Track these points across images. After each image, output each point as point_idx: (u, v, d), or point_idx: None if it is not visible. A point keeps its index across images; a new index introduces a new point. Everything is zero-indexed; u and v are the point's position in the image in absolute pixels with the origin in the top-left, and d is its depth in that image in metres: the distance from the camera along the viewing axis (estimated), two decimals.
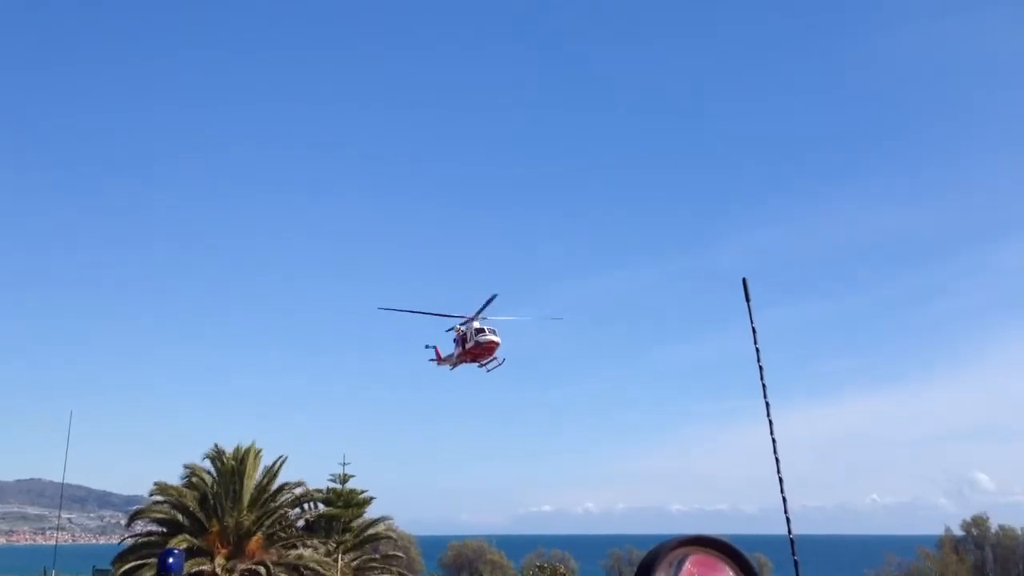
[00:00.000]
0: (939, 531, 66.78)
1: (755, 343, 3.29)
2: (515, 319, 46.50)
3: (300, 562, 38.13)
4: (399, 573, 42.92)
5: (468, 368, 45.15)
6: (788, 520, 3.13)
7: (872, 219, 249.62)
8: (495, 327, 42.77)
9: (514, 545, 74.53)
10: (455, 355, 43.85)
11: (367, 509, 41.60)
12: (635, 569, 2.59)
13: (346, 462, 41.18)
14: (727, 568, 2.63)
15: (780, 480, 3.13)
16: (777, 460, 3.21)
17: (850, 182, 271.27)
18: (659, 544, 2.60)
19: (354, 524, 40.98)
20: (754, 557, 69.65)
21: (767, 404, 3.30)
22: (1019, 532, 64.77)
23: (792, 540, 3.09)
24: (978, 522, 65.95)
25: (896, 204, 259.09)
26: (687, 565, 2.58)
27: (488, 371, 43.99)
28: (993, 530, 65.43)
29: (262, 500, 39.07)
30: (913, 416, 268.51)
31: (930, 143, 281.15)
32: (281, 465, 40.19)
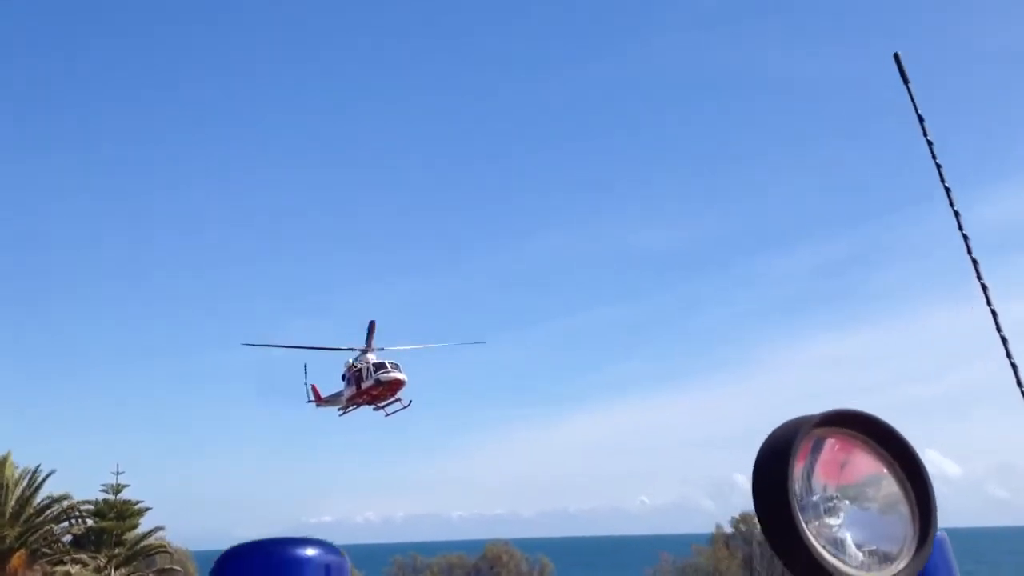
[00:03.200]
0: (705, 529, 74.98)
1: (925, 134, 2.69)
2: (427, 347, 43.45)
3: None
4: None
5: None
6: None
7: (648, 230, 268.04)
8: (397, 360, 38.99)
9: None
10: (346, 396, 39.82)
11: (141, 522, 42.77)
12: (759, 457, 2.06)
13: (120, 471, 41.98)
14: (869, 451, 2.15)
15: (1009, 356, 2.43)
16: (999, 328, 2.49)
17: (626, 192, 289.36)
18: (790, 426, 2.03)
19: (127, 537, 42.10)
20: (536, 558, 75.48)
21: (960, 222, 2.57)
22: None
23: None
24: (746, 519, 74.54)
25: (669, 216, 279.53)
26: (825, 452, 2.08)
27: (387, 415, 40.23)
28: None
29: (25, 514, 39.77)
30: (680, 421, 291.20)
31: (704, 156, 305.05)
32: (46, 478, 40.85)
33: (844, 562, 2.01)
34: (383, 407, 39.71)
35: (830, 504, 2.07)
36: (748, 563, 71.85)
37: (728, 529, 73.37)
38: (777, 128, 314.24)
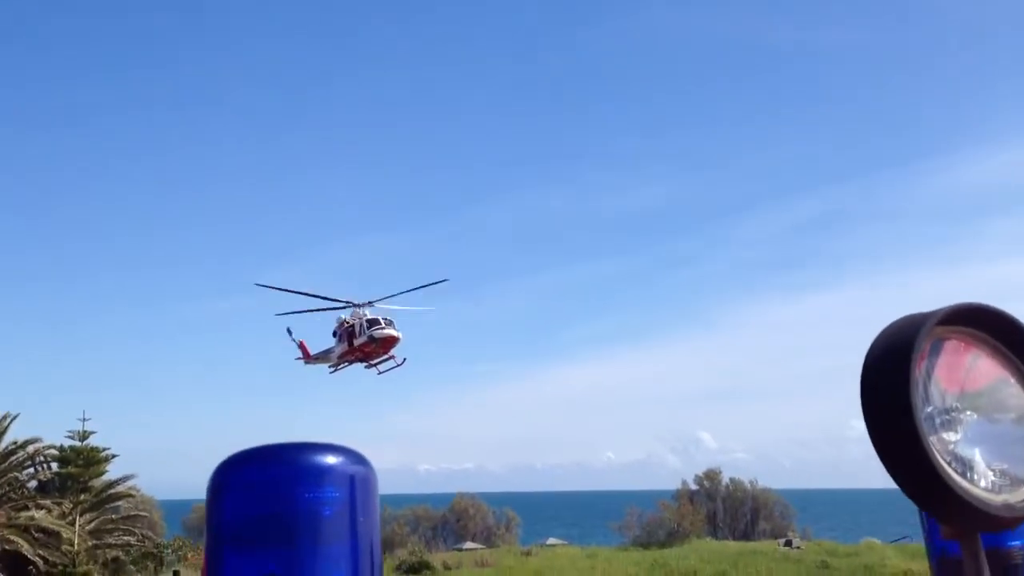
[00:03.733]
0: (669, 486, 76.36)
1: None
2: (424, 309, 40.77)
3: (32, 524, 39.39)
4: (141, 535, 44.92)
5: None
6: None
7: (623, 191, 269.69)
8: (391, 317, 37.56)
9: None
10: (337, 353, 38.65)
11: (109, 469, 42.97)
12: (871, 358, 1.69)
13: (86, 417, 42.05)
14: (995, 354, 1.79)
15: None
16: None
17: (603, 153, 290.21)
18: (909, 322, 1.68)
19: (93, 484, 42.32)
20: (503, 512, 76.52)
21: None
22: (748, 485, 75.76)
23: None
24: (710, 476, 76.01)
25: (644, 177, 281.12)
26: (945, 355, 1.74)
27: (380, 373, 38.85)
28: (724, 483, 75.95)
29: None
30: (647, 379, 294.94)
31: (679, 120, 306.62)
32: (11, 422, 40.93)
33: (973, 483, 1.67)
34: (376, 364, 38.53)
35: (948, 417, 1.71)
36: (712, 519, 73.49)
37: (693, 486, 74.88)
38: (754, 92, 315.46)
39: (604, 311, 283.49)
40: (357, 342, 37.15)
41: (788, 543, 50.94)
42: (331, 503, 1.26)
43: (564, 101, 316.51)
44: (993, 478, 1.71)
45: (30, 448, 41.43)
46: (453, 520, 70.71)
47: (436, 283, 37.53)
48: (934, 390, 1.72)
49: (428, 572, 44.72)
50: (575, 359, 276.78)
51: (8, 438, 40.74)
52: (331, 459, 1.30)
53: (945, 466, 1.63)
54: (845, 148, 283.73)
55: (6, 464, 40.39)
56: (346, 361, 38.71)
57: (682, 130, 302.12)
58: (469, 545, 60.10)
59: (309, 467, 1.28)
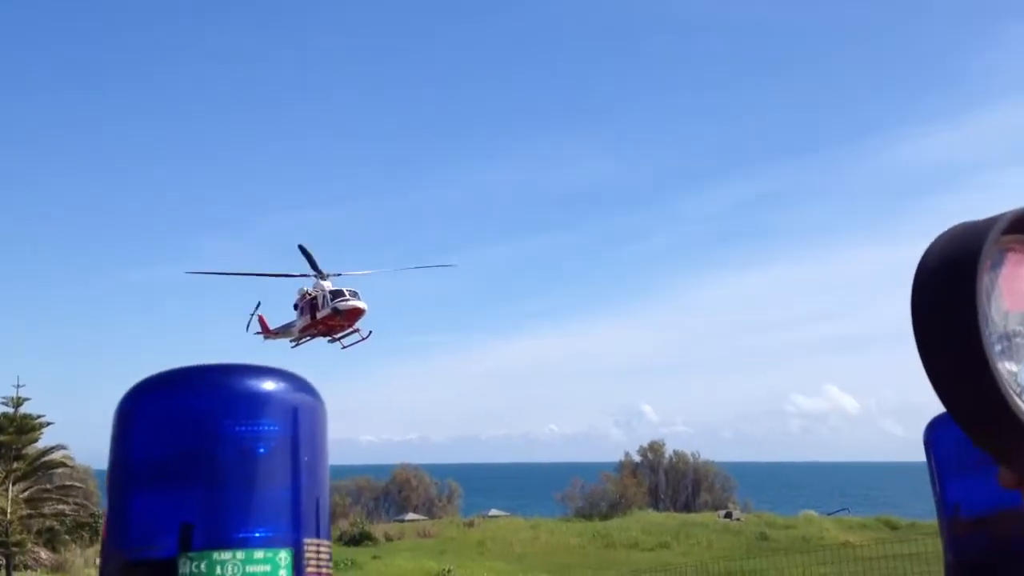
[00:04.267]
0: (612, 458, 77.17)
1: None
2: (373, 272, 39.48)
3: None
4: (76, 504, 44.22)
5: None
6: None
7: (581, 165, 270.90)
8: (355, 288, 36.06)
9: None
10: (298, 327, 37.13)
11: (42, 436, 42.16)
12: (924, 269, 0.96)
13: (20, 384, 41.26)
14: None
15: None
16: None
17: (566, 127, 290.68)
18: (970, 229, 1.03)
19: (27, 451, 41.54)
20: (445, 483, 76.78)
21: None
22: (691, 458, 76.80)
23: None
24: (654, 448, 76.96)
25: (603, 153, 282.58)
26: (1005, 267, 1.16)
27: (344, 347, 37.38)
28: (667, 455, 76.89)
29: None
30: (591, 352, 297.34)
31: (629, 96, 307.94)
32: None
33: None
34: (339, 339, 36.93)
35: (1009, 343, 1.19)
36: (654, 491, 74.47)
37: (636, 458, 75.73)
38: (703, 69, 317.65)
39: (550, 285, 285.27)
40: (320, 315, 35.59)
41: (728, 515, 51.59)
42: (267, 438, 0.97)
43: (514, 74, 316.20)
44: None
45: None
46: (395, 491, 70.55)
47: (306, 254, 35.93)
48: (994, 309, 1.22)
49: (370, 543, 44.68)
50: (520, 332, 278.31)
51: None
52: (269, 384, 0.98)
53: (1016, 398, 1.16)
54: (793, 126, 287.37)
55: None
56: (308, 335, 37.26)
57: (631, 107, 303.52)
58: (411, 516, 60.10)
59: (241, 394, 0.96)
